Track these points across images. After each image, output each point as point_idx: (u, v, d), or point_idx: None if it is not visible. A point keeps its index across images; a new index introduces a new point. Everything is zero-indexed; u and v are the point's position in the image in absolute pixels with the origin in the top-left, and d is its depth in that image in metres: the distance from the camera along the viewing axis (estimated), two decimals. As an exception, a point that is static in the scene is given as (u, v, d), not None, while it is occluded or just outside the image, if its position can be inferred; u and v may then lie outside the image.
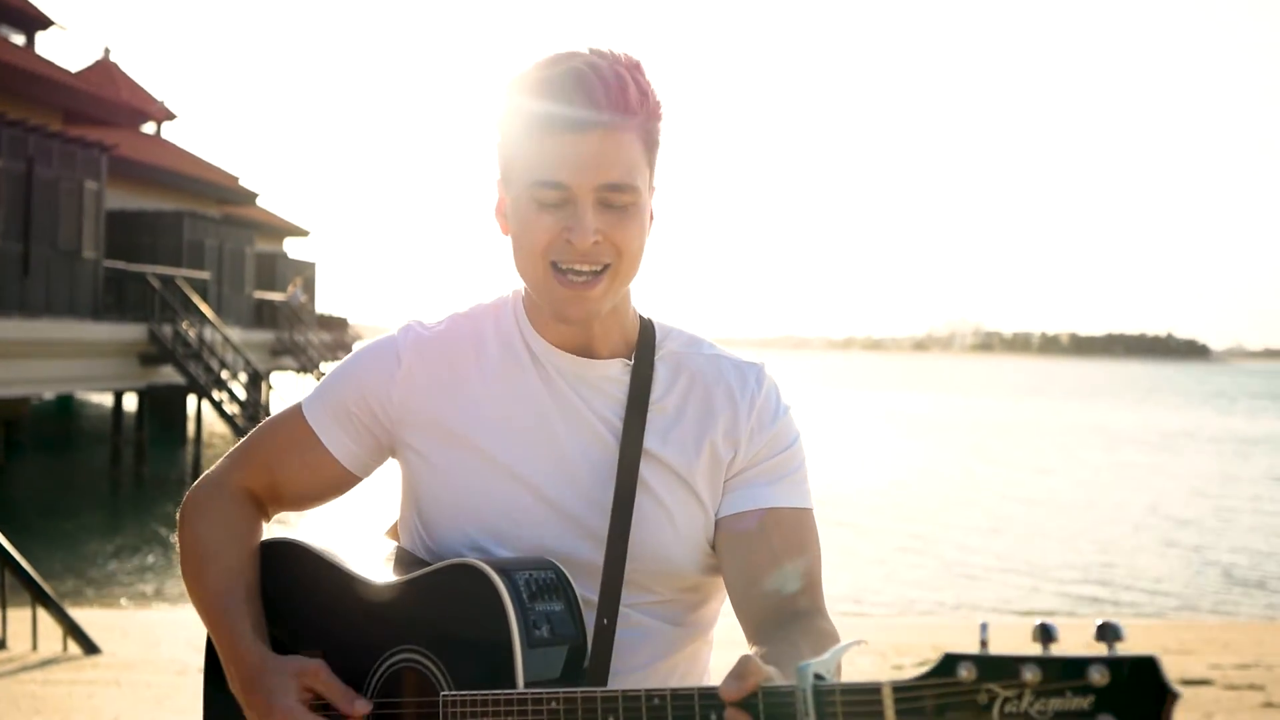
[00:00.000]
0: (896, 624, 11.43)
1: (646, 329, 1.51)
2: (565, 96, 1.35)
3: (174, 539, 1.57)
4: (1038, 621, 0.98)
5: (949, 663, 0.99)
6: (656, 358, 1.49)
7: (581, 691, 1.21)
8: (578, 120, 1.34)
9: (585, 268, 1.37)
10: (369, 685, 1.40)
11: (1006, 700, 0.97)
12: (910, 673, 1.02)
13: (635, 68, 1.39)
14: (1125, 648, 0.97)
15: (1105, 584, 14.14)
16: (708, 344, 1.54)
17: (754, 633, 1.41)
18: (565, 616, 1.33)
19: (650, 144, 1.41)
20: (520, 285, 1.50)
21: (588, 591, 1.39)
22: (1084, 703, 0.95)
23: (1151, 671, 0.95)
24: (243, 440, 1.58)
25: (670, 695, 1.16)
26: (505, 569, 1.32)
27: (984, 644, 0.98)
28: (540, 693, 1.24)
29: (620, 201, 1.37)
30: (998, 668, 0.97)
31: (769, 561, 1.43)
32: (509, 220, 1.43)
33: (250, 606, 1.47)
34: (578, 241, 1.35)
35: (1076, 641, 1.10)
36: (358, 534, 1.60)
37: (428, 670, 1.34)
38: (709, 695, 1.14)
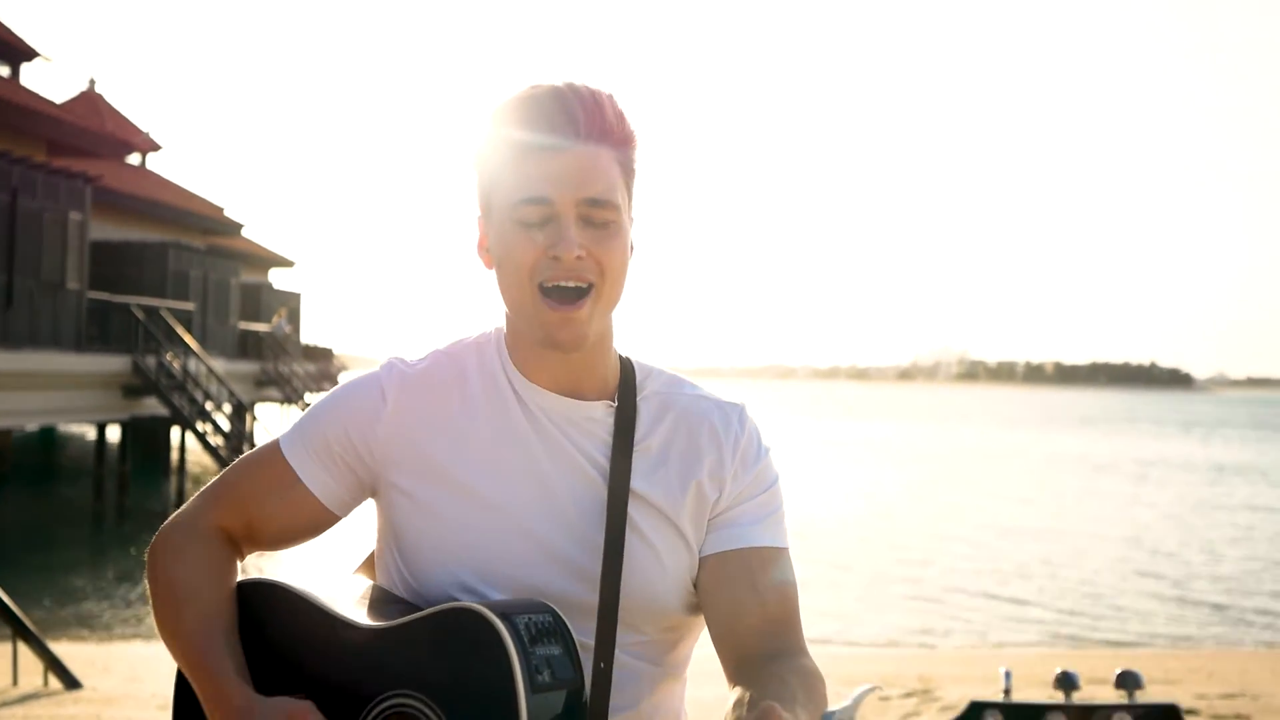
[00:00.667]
0: (882, 655, 11.40)
1: (627, 369, 1.51)
2: (545, 117, 1.37)
3: (145, 578, 1.52)
4: (1058, 670, 0.98)
5: (975, 711, 0.99)
6: (640, 398, 1.49)
7: None
8: (558, 138, 1.37)
9: (571, 284, 1.37)
10: None
11: None
12: (899, 704, 1.02)
13: (610, 97, 1.42)
14: (1143, 695, 0.96)
15: (1086, 614, 14.15)
16: (689, 384, 1.55)
17: (735, 670, 1.40)
18: (564, 660, 1.32)
19: (627, 170, 1.42)
20: (502, 323, 1.50)
21: (580, 632, 1.38)
22: None
23: (1174, 718, 0.96)
24: (216, 478, 1.54)
25: None
26: (505, 613, 1.30)
27: (1007, 692, 0.98)
28: None
29: (602, 218, 1.38)
30: (1023, 716, 0.97)
31: (752, 599, 1.43)
32: (492, 251, 1.43)
33: (231, 648, 1.43)
34: (563, 254, 1.35)
35: (1037, 677, 1.11)
36: (332, 573, 1.56)
37: (423, 716, 1.32)
38: None
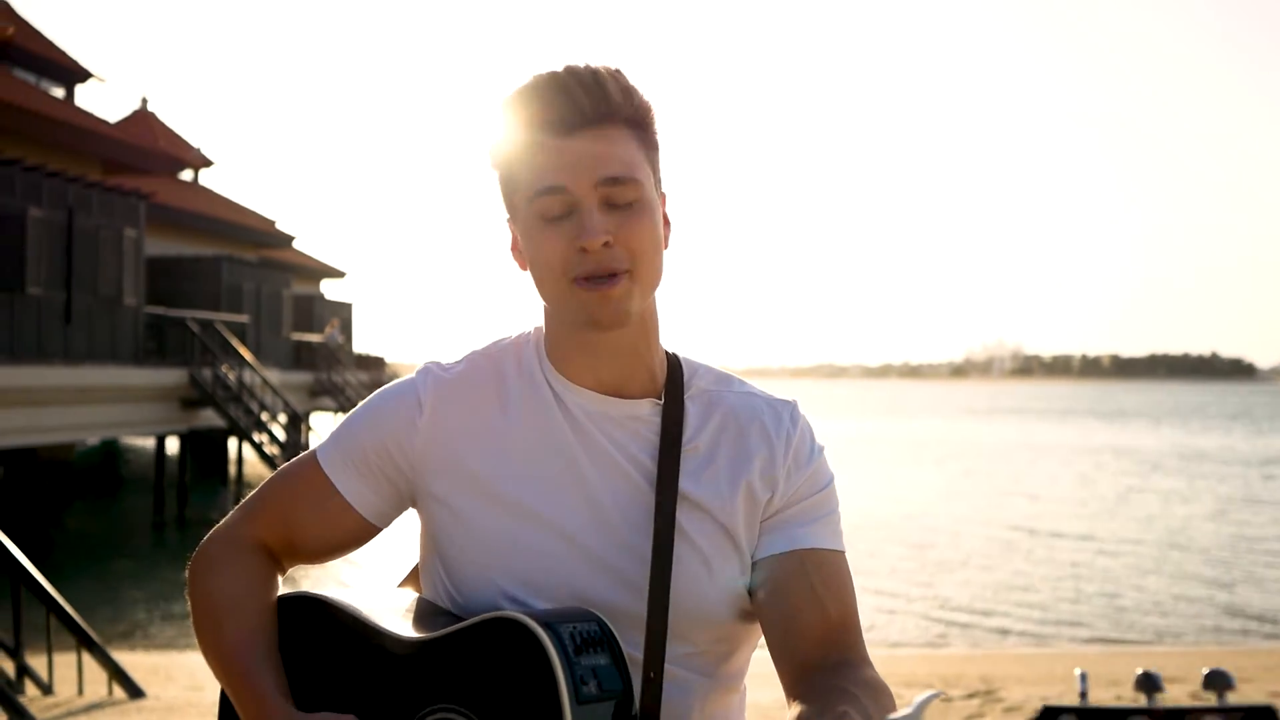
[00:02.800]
0: (940, 655, 11.27)
1: (674, 366, 1.46)
2: (548, 105, 1.33)
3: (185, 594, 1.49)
4: (1139, 671, 0.93)
5: (1049, 716, 0.93)
6: (686, 396, 1.44)
7: None
8: (565, 123, 1.32)
9: (603, 274, 1.33)
10: None
11: None
12: (961, 706, 0.97)
13: (614, 73, 1.38)
14: (1235, 696, 0.91)
15: (1148, 612, 13.91)
16: (738, 381, 1.49)
17: (794, 681, 1.34)
18: (611, 671, 1.27)
19: (646, 144, 1.37)
20: (540, 322, 1.46)
21: (628, 644, 1.32)
22: None
23: None
24: (255, 491, 1.50)
25: None
26: (549, 622, 1.26)
27: (1083, 695, 0.93)
28: None
29: (624, 198, 1.33)
30: None
31: (810, 604, 1.37)
32: (524, 251, 1.40)
33: (272, 664, 1.40)
34: (588, 244, 1.31)
35: (1105, 677, 1.06)
36: (375, 586, 1.53)
37: None
38: None
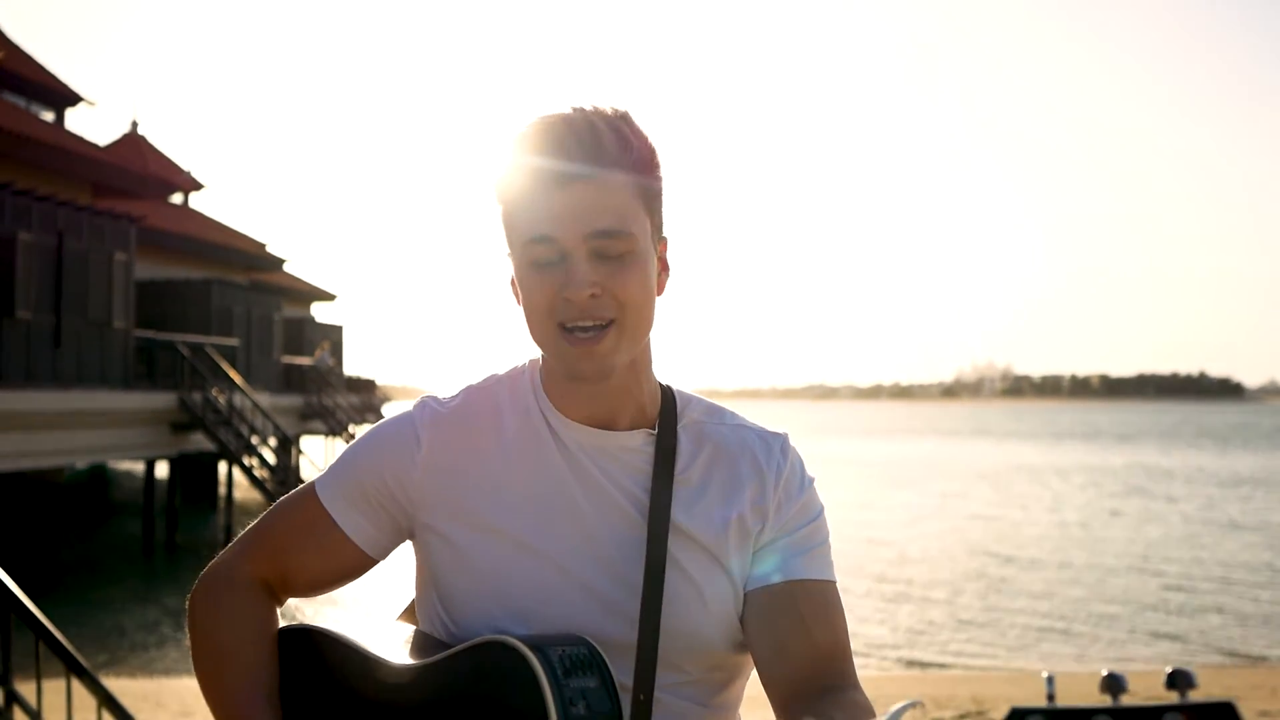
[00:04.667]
0: (933, 677, 11.27)
1: (668, 398, 1.48)
2: (543, 154, 1.34)
3: (185, 629, 1.52)
4: (1104, 671, 0.95)
5: (1016, 718, 0.95)
6: (679, 427, 1.46)
7: None
8: (557, 174, 1.33)
9: (589, 323, 1.34)
10: None
11: None
12: None
13: (618, 118, 1.37)
14: (1197, 695, 0.93)
15: (1135, 631, 13.92)
16: (730, 413, 1.51)
17: (783, 707, 1.36)
18: (601, 693, 1.28)
19: (645, 192, 1.37)
20: (537, 355, 1.48)
21: (620, 672, 1.34)
22: None
23: (1230, 717, 0.92)
24: (254, 523, 1.53)
25: None
26: (538, 645, 1.28)
27: (1051, 697, 0.95)
28: None
29: (615, 250, 1.33)
30: None
31: (799, 633, 1.39)
32: (518, 289, 1.41)
33: (273, 706, 1.43)
34: (573, 296, 1.32)
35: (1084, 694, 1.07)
36: (372, 619, 1.55)
37: None
38: None
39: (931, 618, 14.59)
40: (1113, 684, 0.84)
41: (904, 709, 1.04)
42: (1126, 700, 0.86)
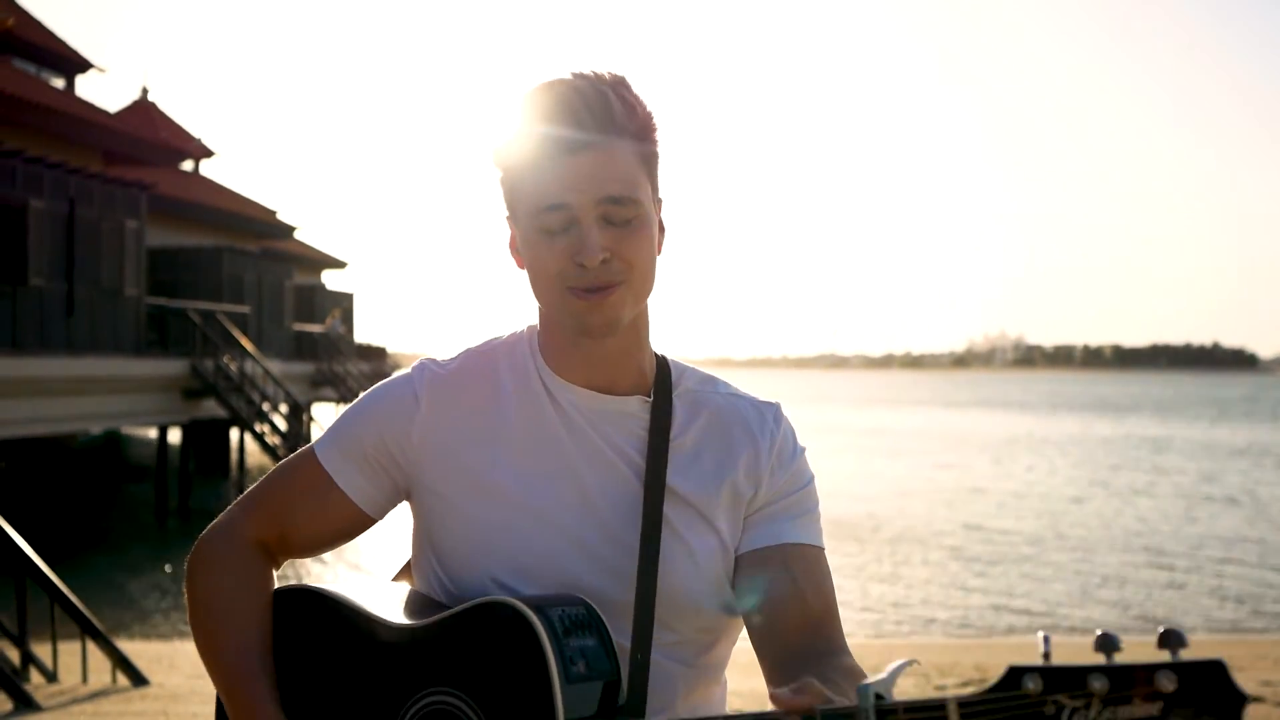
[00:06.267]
0: (934, 644, 11.34)
1: (663, 366, 1.51)
2: (553, 122, 1.36)
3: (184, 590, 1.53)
4: (1099, 632, 0.97)
5: (1014, 676, 0.97)
6: (675, 395, 1.49)
7: None
8: (568, 142, 1.35)
9: (599, 286, 1.37)
10: None
11: (1075, 711, 0.95)
12: (959, 693, 1.01)
13: (619, 84, 1.39)
14: (1189, 654, 0.95)
15: (1145, 602, 13.97)
16: (723, 383, 1.54)
17: (775, 670, 1.39)
18: (599, 652, 1.31)
19: (646, 157, 1.40)
20: (535, 320, 1.51)
21: (616, 631, 1.37)
22: (1153, 709, 0.94)
23: (1220, 675, 0.94)
24: (253, 486, 1.54)
25: None
26: (538, 605, 1.30)
27: (1046, 656, 0.97)
28: None
29: (623, 216, 1.36)
30: (1064, 678, 0.96)
31: (791, 597, 1.42)
32: (522, 254, 1.44)
33: (266, 667, 1.45)
34: (586, 261, 1.34)
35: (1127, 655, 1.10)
36: (370, 579, 1.57)
37: (461, 712, 1.32)
38: (765, 718, 1.11)
39: (929, 587, 14.66)
40: (1106, 643, 0.87)
41: (901, 667, 1.07)
42: (1120, 659, 0.89)
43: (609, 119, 1.36)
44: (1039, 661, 0.97)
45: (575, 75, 1.39)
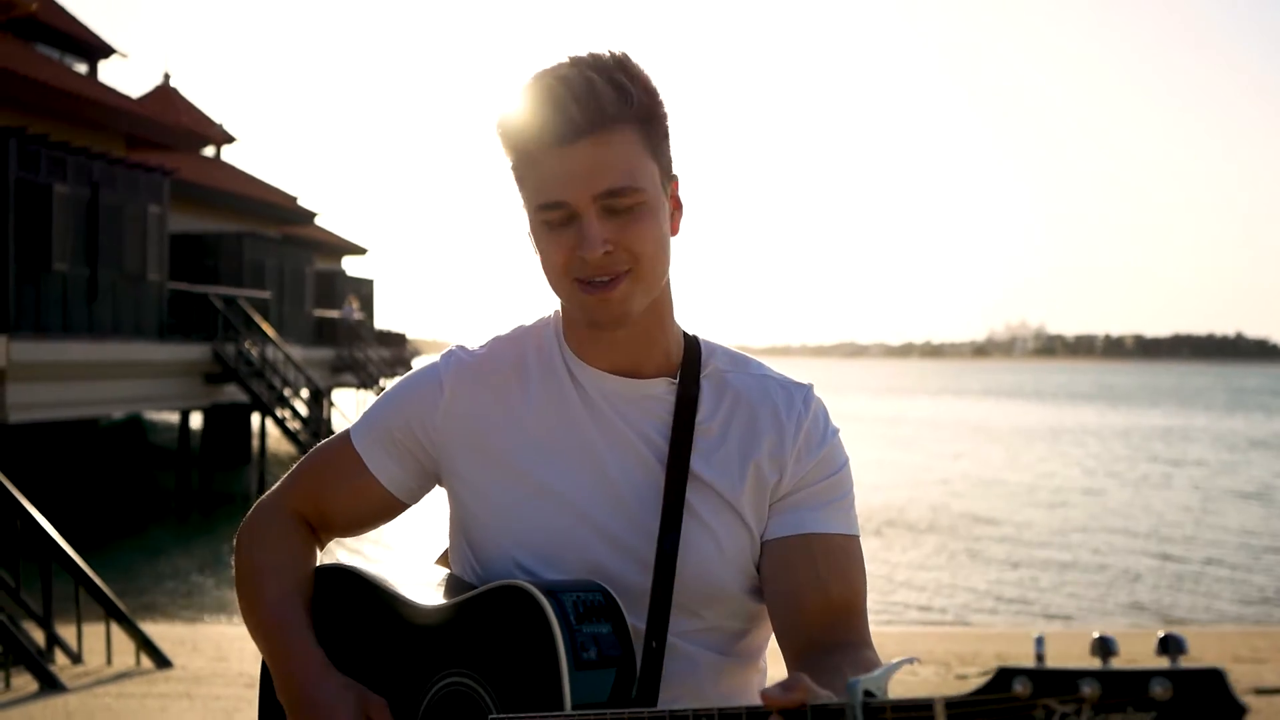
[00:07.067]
0: (956, 633, 11.31)
1: (692, 347, 1.48)
2: (542, 118, 1.34)
3: (232, 560, 1.60)
4: (1095, 634, 0.94)
5: (1004, 677, 0.95)
6: (702, 376, 1.47)
7: (629, 712, 1.20)
8: (558, 137, 1.33)
9: (605, 277, 1.35)
10: (421, 709, 1.39)
11: (1064, 716, 0.93)
12: (966, 687, 1.00)
13: (615, 66, 1.35)
14: (1190, 661, 0.92)
15: (1171, 590, 13.90)
16: (755, 363, 1.51)
17: (796, 660, 1.38)
18: (613, 639, 1.31)
19: (649, 139, 1.36)
20: (559, 306, 1.50)
21: (635, 617, 1.36)
22: (1145, 718, 0.91)
23: (1218, 684, 0.91)
24: (296, 465, 1.60)
25: (718, 713, 1.14)
26: (552, 590, 1.31)
27: (1040, 658, 0.95)
28: (587, 714, 1.22)
29: (624, 205, 1.34)
30: (1054, 682, 0.94)
31: (813, 587, 1.40)
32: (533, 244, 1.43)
33: (308, 620, 1.49)
34: (588, 254, 1.33)
35: (1138, 653, 1.08)
36: (407, 560, 1.60)
37: (475, 693, 1.33)
38: (758, 713, 1.10)
39: (944, 575, 14.62)
40: (1103, 647, 0.86)
41: (897, 665, 1.05)
42: (1116, 663, 0.88)
43: (598, 110, 1.32)
44: (1031, 664, 0.95)
45: (568, 61, 1.36)
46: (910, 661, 1.08)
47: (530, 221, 1.41)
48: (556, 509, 1.43)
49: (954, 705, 0.97)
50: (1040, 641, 0.96)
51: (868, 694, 1.02)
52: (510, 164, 1.42)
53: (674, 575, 1.39)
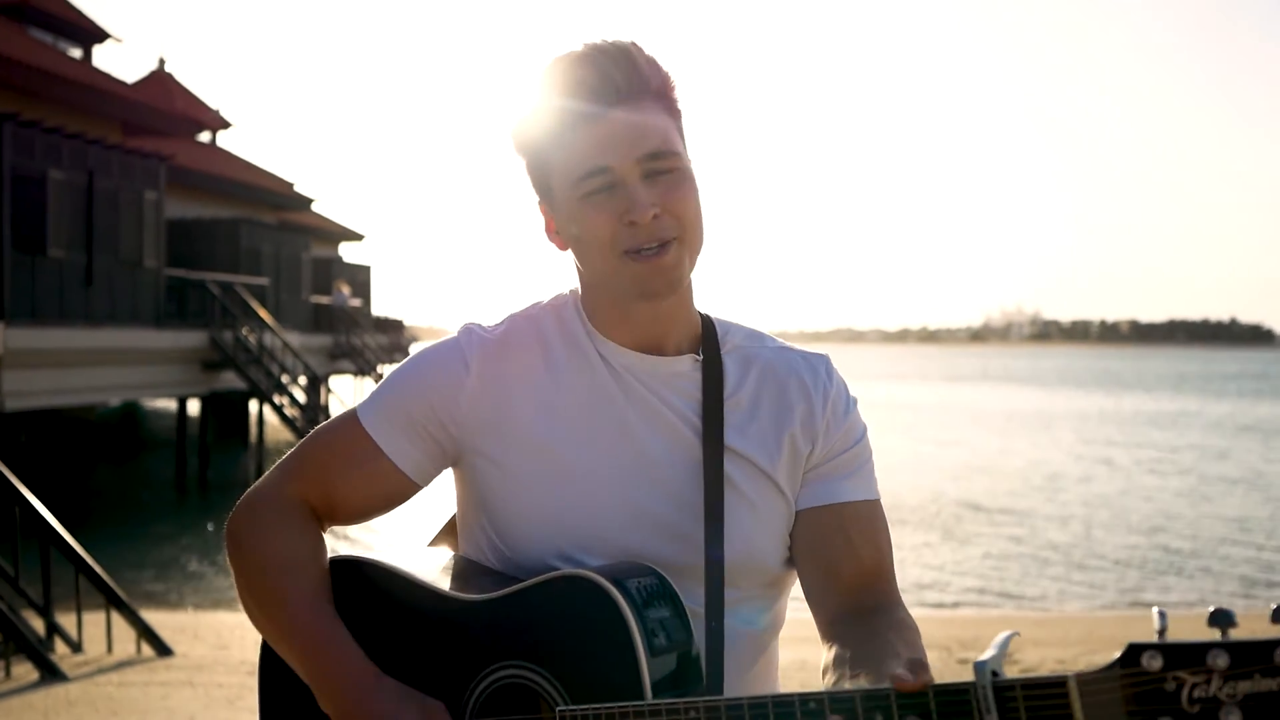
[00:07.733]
0: (955, 617, 11.33)
1: (708, 324, 1.49)
2: (580, 82, 1.35)
3: (226, 554, 1.46)
4: (1213, 608, 0.98)
5: (1133, 653, 0.98)
6: (724, 352, 1.47)
7: (726, 700, 1.18)
8: (600, 98, 1.34)
9: (653, 245, 1.35)
10: (467, 705, 1.34)
11: (1195, 686, 0.97)
12: (1012, 670, 1.01)
13: (634, 45, 1.40)
14: (1241, 633, 0.97)
15: (1163, 574, 13.93)
16: (770, 338, 1.53)
17: (830, 625, 1.39)
18: (675, 622, 1.31)
19: (673, 113, 1.40)
20: (576, 285, 1.48)
21: (687, 597, 1.35)
22: (1273, 684, 0.96)
23: None
24: (292, 452, 1.48)
25: (828, 698, 1.12)
26: (616, 577, 1.28)
27: (1162, 632, 0.99)
28: (676, 702, 1.20)
29: (665, 168, 1.35)
30: (1184, 655, 0.98)
31: (847, 555, 1.42)
32: (564, 233, 1.41)
33: (341, 622, 1.38)
34: (638, 218, 1.33)
35: (1137, 634, 1.10)
36: (409, 547, 1.53)
37: (537, 686, 1.29)
38: (874, 696, 1.10)
39: (945, 559, 14.65)
40: (1222, 618, 0.89)
41: (1007, 640, 1.08)
42: (1235, 634, 0.91)
43: (636, 73, 1.36)
44: (1154, 639, 0.98)
45: (589, 47, 1.38)
46: (1015, 635, 1.09)
47: (564, 203, 1.38)
48: (595, 491, 1.40)
49: (1086, 682, 1.00)
50: (1162, 616, 1.00)
51: (994, 673, 1.04)
52: (529, 155, 1.41)
53: (723, 554, 1.39)
